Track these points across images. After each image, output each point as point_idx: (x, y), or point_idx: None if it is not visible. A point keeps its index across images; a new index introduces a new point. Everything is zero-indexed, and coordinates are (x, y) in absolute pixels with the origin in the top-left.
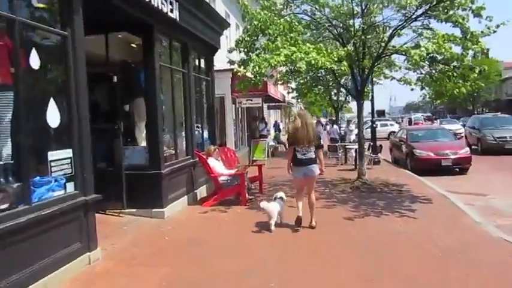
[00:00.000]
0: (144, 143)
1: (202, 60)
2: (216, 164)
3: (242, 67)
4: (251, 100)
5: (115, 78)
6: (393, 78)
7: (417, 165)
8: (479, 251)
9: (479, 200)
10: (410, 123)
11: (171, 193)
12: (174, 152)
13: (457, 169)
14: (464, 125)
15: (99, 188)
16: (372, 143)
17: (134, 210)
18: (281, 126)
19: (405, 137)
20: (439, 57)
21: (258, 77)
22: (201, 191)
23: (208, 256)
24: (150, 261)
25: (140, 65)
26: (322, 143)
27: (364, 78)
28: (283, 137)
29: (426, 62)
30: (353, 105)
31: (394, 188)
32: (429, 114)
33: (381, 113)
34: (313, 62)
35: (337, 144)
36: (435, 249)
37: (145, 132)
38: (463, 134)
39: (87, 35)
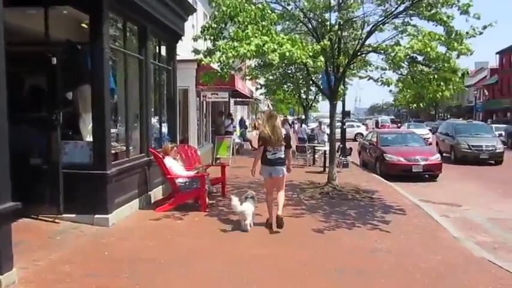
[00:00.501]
0: (90, 138)
1: (163, 48)
2: (174, 164)
3: (208, 57)
4: (217, 94)
5: (54, 60)
6: (370, 78)
7: (387, 169)
8: (465, 275)
9: (454, 212)
10: (377, 125)
11: (118, 196)
12: (125, 148)
13: (427, 176)
14: (432, 130)
15: (31, 188)
16: (341, 145)
17: (73, 215)
18: (247, 123)
19: (375, 140)
20: (419, 58)
21: (225, 69)
22: (156, 193)
23: (154, 277)
24: (80, 285)
25: (88, 46)
26: (296, 142)
27: (339, 77)
28: (249, 134)
29: (405, 62)
30: (322, 104)
31: (365, 194)
32: (392, 117)
33: (347, 114)
34: (287, 54)
35: (305, 145)
36: (419, 273)
37: (91, 125)
38: (430, 140)
39: (19, 5)
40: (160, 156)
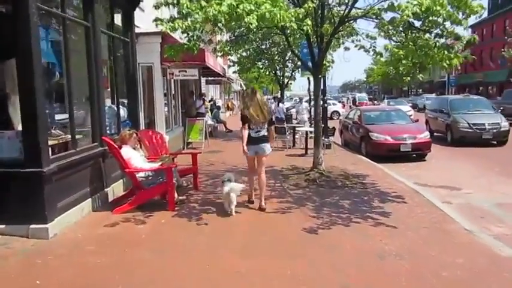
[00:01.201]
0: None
1: (118, 15)
2: (133, 155)
3: (170, 24)
4: (185, 72)
5: None
6: (362, 47)
7: (373, 150)
8: (500, 284)
9: (455, 197)
10: (354, 103)
11: (62, 199)
12: (70, 138)
13: (415, 155)
14: (414, 107)
15: None
16: (322, 125)
17: (2, 226)
18: (220, 103)
19: (359, 118)
20: (417, 23)
21: (193, 41)
22: (116, 189)
23: None
24: None
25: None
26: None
27: (323, 48)
28: (223, 115)
29: (400, 29)
30: (295, 82)
31: (356, 180)
32: (364, 94)
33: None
34: (267, 15)
35: (285, 126)
36: (444, 286)
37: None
38: (413, 117)
39: None
40: (116, 146)
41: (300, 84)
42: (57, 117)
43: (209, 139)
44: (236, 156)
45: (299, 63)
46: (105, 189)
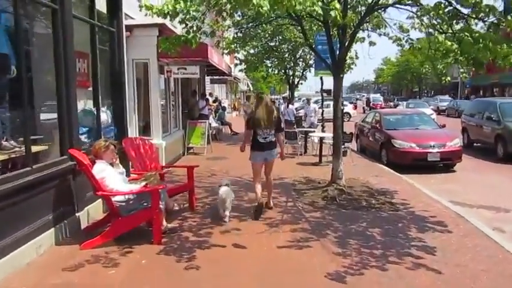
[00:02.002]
0: None
1: (102, 1)
2: (109, 173)
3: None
4: (185, 69)
5: None
6: (396, 40)
7: (396, 159)
8: None
9: (506, 222)
10: (368, 104)
11: (7, 235)
12: (24, 151)
13: (441, 165)
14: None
15: None
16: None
17: None
18: (226, 104)
19: (378, 123)
20: (466, 11)
21: (192, 32)
22: (94, 211)
23: None
24: None
25: None
26: (283, 125)
27: (347, 42)
28: (229, 116)
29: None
30: (309, 81)
31: (383, 198)
32: (375, 95)
33: (326, 92)
34: None
35: (295, 130)
36: None
37: None
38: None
39: None
40: (86, 162)
41: (308, 84)
42: (13, 124)
43: (212, 143)
44: (242, 164)
45: (311, 61)
46: (77, 214)
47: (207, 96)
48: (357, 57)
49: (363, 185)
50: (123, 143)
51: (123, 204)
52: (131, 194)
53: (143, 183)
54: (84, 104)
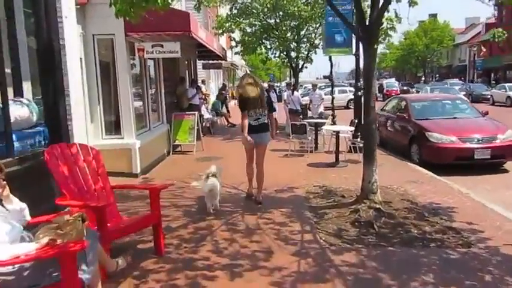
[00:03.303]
0: None
1: None
2: None
3: None
4: (161, 46)
5: None
6: None
7: (432, 157)
8: None
9: None
10: (381, 91)
11: None
12: None
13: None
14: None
15: None
16: (355, 120)
17: None
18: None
19: (405, 111)
20: None
21: None
22: None
23: None
24: None
25: None
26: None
27: (381, 2)
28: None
29: None
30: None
31: (438, 221)
32: (389, 80)
33: (328, 78)
34: None
35: (304, 123)
36: None
37: None
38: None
39: None
40: None
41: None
42: None
43: (204, 139)
44: (239, 166)
45: (316, 41)
46: None
47: (199, 84)
48: (399, 19)
49: (402, 198)
50: (46, 155)
51: (11, 279)
52: (24, 262)
53: (45, 240)
54: None
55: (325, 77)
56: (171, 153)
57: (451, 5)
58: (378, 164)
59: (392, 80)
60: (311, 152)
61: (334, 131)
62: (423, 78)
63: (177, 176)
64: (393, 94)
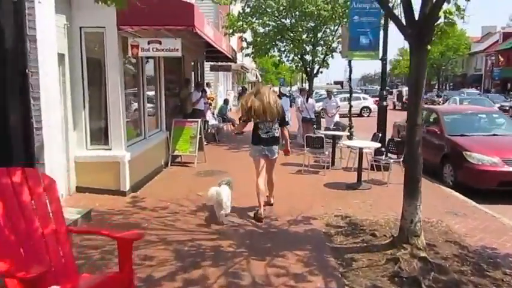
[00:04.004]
0: None
1: None
2: None
3: None
4: (159, 43)
5: None
6: None
7: (471, 180)
8: None
9: None
10: (400, 99)
11: None
12: None
13: None
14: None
15: None
16: (379, 133)
17: None
18: (231, 95)
19: (436, 125)
20: None
21: None
22: None
23: None
24: None
25: None
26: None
27: None
28: (235, 108)
29: None
30: (333, 65)
31: (503, 279)
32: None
33: (339, 84)
34: None
35: (322, 135)
36: None
37: None
38: None
39: None
40: None
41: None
42: None
43: (208, 147)
44: (248, 183)
45: (334, 44)
46: None
47: (205, 87)
48: (462, 12)
49: (448, 239)
50: None
51: None
52: None
53: None
54: None
55: (336, 83)
56: (169, 165)
57: (466, 12)
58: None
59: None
60: (327, 168)
61: (357, 147)
62: (436, 87)
63: (172, 195)
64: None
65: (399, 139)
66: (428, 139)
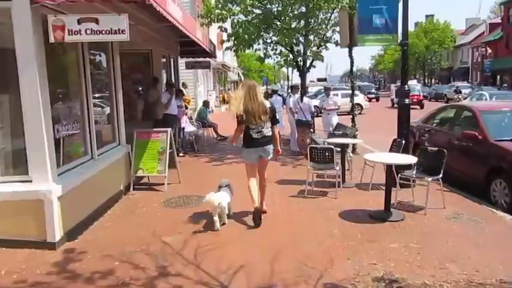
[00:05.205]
0: None
1: None
2: None
3: None
4: (95, 23)
5: None
6: None
7: None
8: None
9: None
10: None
11: None
12: None
13: None
14: None
15: None
16: (402, 139)
17: None
18: (213, 96)
19: (474, 127)
20: None
21: None
22: None
23: None
24: None
25: None
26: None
27: None
28: (217, 111)
29: None
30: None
31: None
32: (411, 83)
33: (323, 81)
34: None
35: (331, 145)
36: None
37: None
38: None
39: None
40: None
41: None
42: None
43: (183, 162)
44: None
45: (328, 33)
46: None
47: (180, 87)
48: None
49: None
50: None
51: None
52: None
53: None
54: None
55: (319, 80)
56: (131, 189)
57: (448, 5)
58: (454, 212)
59: (414, 82)
60: (338, 187)
61: (386, 163)
62: (421, 81)
63: (126, 245)
64: (415, 99)
65: (434, 148)
66: (465, 145)
